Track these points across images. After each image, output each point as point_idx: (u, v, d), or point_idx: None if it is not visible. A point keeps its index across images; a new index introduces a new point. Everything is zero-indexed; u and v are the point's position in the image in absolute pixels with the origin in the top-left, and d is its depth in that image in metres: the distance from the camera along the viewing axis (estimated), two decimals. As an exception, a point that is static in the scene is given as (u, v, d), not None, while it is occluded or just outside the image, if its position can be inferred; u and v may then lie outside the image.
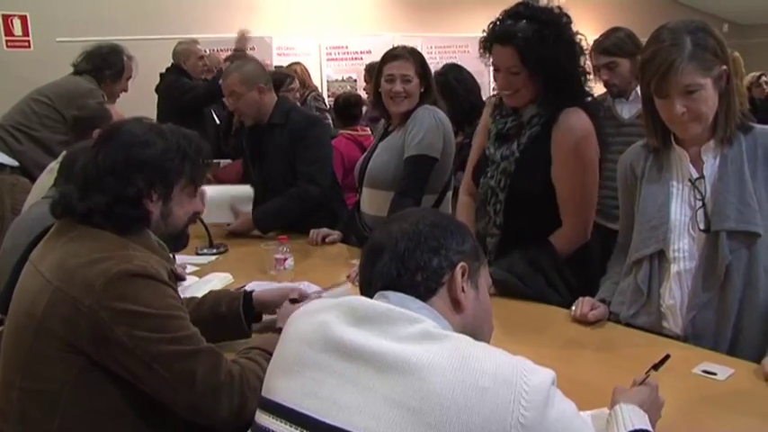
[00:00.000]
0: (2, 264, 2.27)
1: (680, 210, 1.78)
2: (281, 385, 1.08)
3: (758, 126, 1.76)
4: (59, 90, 3.89)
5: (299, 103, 5.42)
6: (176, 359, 1.36)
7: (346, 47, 8.05)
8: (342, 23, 8.01)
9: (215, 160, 3.82)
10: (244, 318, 1.82)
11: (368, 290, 1.18)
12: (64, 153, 2.55)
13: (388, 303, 1.10)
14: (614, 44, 3.05)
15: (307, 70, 5.90)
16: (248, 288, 2.24)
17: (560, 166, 2.13)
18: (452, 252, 1.17)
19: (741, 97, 5.31)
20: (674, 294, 1.77)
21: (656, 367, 1.44)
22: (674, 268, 1.77)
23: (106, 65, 3.96)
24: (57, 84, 3.97)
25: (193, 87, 4.87)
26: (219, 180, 3.72)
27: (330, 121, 5.29)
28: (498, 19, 2.15)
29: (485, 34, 2.18)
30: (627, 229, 1.96)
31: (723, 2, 10.70)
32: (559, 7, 2.17)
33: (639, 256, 1.82)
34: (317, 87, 6.27)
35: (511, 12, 2.14)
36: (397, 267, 1.14)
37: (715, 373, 1.56)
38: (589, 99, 2.21)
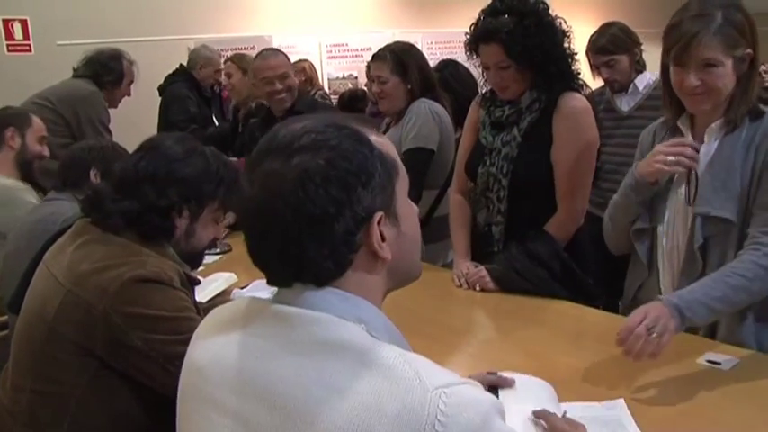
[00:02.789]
0: (8, 267, 2.28)
1: (677, 188, 1.78)
2: (184, 428, 0.97)
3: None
4: (60, 93, 3.89)
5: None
6: None
7: (346, 44, 8.04)
8: (341, 21, 8.00)
9: None
10: None
11: (266, 272, 0.95)
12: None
13: (291, 307, 0.89)
14: (610, 41, 3.04)
15: (314, 67, 5.88)
16: (251, 286, 2.26)
17: (561, 144, 2.17)
18: (363, 203, 0.88)
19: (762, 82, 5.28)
20: (666, 273, 1.80)
21: None
22: (666, 244, 1.79)
23: (105, 71, 3.95)
24: (58, 87, 3.98)
25: (193, 118, 4.68)
26: None
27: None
28: (478, 19, 2.19)
29: (468, 36, 2.22)
30: None
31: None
32: None
33: (640, 226, 1.84)
34: (322, 86, 6.26)
35: (488, 9, 2.18)
36: (292, 258, 0.88)
37: (719, 363, 1.56)
38: (581, 81, 2.24)
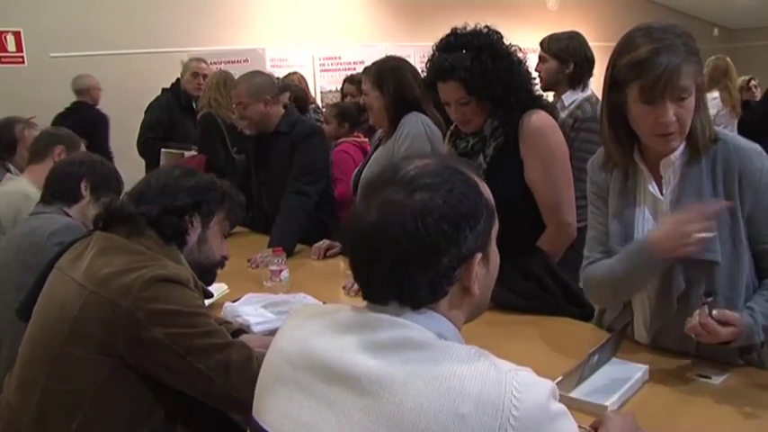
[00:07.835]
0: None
1: (643, 229, 1.65)
2: (264, 406, 1.05)
3: (722, 139, 1.60)
4: None
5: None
6: (210, 351, 1.46)
7: (339, 57, 8.07)
8: (335, 34, 8.04)
9: (179, 151, 3.86)
10: None
11: (365, 288, 1.05)
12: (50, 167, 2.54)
13: (381, 314, 0.99)
14: (554, 41, 3.13)
15: (304, 79, 5.90)
16: (243, 300, 2.26)
17: (532, 164, 2.15)
18: (467, 243, 0.98)
19: (734, 101, 5.32)
20: (639, 313, 1.72)
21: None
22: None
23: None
24: None
25: (151, 124, 4.80)
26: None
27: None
28: (432, 54, 2.17)
29: (425, 74, 2.21)
30: (594, 241, 1.77)
31: (713, 7, 10.79)
32: (487, 26, 2.18)
33: None
34: (315, 99, 6.27)
35: (443, 45, 2.16)
36: (397, 280, 0.98)
37: (710, 377, 1.57)
38: (542, 101, 2.24)
